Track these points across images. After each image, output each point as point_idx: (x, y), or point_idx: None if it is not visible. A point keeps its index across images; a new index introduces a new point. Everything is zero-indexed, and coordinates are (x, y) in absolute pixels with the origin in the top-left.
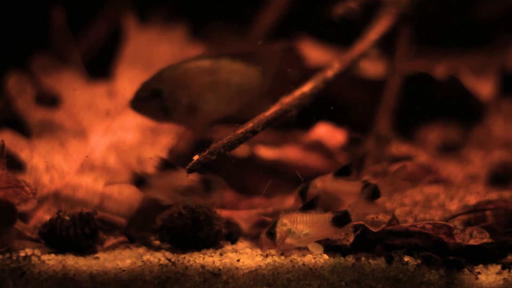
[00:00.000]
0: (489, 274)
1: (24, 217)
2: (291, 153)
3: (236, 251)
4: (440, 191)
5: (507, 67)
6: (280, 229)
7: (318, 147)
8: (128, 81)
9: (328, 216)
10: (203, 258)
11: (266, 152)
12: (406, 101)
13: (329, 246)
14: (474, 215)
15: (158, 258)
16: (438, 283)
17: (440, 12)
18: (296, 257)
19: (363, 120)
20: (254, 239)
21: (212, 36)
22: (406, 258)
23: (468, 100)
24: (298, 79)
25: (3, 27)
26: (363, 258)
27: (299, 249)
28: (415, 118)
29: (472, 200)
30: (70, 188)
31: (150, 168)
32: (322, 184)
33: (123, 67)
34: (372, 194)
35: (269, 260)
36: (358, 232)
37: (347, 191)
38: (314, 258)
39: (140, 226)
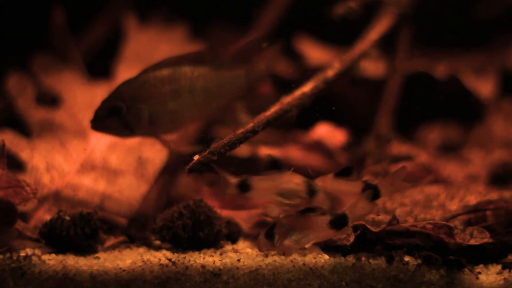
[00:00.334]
0: (489, 274)
1: (25, 217)
2: (291, 153)
3: (236, 251)
4: (440, 191)
5: (508, 67)
6: (278, 230)
7: (319, 147)
8: None
9: (326, 218)
10: (204, 258)
11: (266, 152)
12: (407, 101)
13: (329, 246)
14: (475, 215)
15: (158, 258)
16: (438, 283)
17: (440, 12)
18: (296, 257)
19: (364, 120)
20: (255, 239)
21: (212, 36)
22: (407, 258)
23: (469, 100)
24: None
25: (4, 27)
26: (363, 258)
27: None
28: (415, 118)
29: (472, 200)
30: (70, 188)
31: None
32: (323, 184)
33: (124, 67)
34: (373, 195)
35: (269, 260)
36: (359, 232)
37: (348, 191)
38: (315, 258)
39: (140, 226)
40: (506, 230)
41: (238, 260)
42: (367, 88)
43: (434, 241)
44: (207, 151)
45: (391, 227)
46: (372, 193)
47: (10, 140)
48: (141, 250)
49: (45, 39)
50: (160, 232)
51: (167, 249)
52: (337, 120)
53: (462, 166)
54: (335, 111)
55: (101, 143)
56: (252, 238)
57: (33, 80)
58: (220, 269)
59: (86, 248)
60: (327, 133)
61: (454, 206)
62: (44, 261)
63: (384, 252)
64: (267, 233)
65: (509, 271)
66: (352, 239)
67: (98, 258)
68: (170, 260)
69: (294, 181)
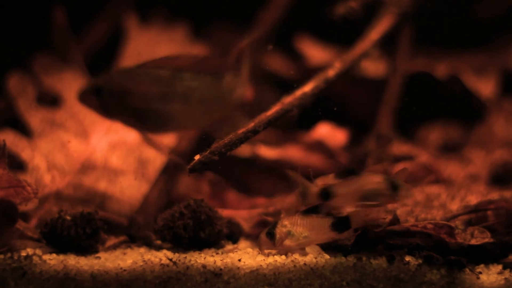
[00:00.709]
0: (490, 274)
1: (26, 216)
2: (292, 152)
3: (237, 250)
4: (441, 191)
5: (508, 67)
6: (280, 230)
7: (320, 146)
8: None
9: (328, 220)
10: (204, 258)
11: (267, 152)
12: (407, 101)
13: (330, 246)
14: (475, 215)
15: (159, 258)
16: (439, 283)
17: (441, 12)
18: (297, 256)
19: (364, 120)
20: (256, 239)
21: (213, 36)
22: (408, 258)
23: (469, 100)
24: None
25: (4, 26)
26: (364, 258)
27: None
28: (416, 118)
29: (473, 200)
30: (71, 188)
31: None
32: (324, 184)
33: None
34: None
35: (270, 260)
36: (359, 231)
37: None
38: (315, 258)
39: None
40: (507, 230)
41: (239, 260)
42: (368, 88)
43: (435, 241)
44: (208, 151)
45: (392, 227)
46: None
47: (11, 140)
48: (142, 250)
49: (46, 39)
50: (161, 232)
51: (168, 249)
52: (337, 120)
53: (463, 166)
54: (336, 111)
55: (102, 143)
56: (253, 238)
57: (34, 80)
58: (221, 269)
59: (87, 248)
60: (328, 133)
61: (455, 206)
62: (45, 261)
63: (385, 252)
64: (268, 233)
65: (510, 271)
66: (353, 239)
67: (99, 258)
68: (171, 260)
69: (374, 181)
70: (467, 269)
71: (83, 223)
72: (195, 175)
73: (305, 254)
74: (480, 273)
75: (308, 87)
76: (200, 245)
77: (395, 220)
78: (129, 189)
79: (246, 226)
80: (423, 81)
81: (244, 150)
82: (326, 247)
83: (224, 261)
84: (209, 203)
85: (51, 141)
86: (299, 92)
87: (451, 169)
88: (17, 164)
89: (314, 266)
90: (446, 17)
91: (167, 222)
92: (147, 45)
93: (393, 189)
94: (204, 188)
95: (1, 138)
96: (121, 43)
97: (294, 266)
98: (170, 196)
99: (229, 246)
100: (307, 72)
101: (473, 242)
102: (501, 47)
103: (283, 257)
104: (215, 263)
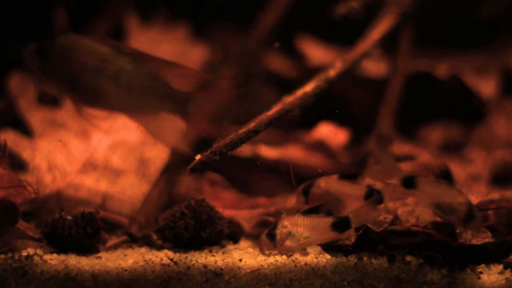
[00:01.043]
0: (491, 274)
1: (27, 216)
2: (293, 152)
3: (238, 250)
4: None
5: (510, 67)
6: (280, 231)
7: (320, 146)
8: None
9: (329, 220)
10: (205, 258)
11: (268, 152)
12: (408, 101)
13: (331, 246)
14: None
15: (160, 257)
16: (440, 283)
17: (442, 11)
18: (298, 256)
19: (365, 120)
20: (256, 239)
21: (214, 36)
22: (408, 258)
23: (470, 100)
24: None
25: (5, 26)
26: (365, 258)
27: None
28: (417, 118)
29: (474, 200)
30: (72, 187)
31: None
32: (326, 184)
33: None
34: (377, 202)
35: (271, 259)
36: (361, 231)
37: (351, 194)
38: (316, 258)
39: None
40: (508, 230)
41: (240, 260)
42: (369, 87)
43: (436, 241)
44: (209, 151)
45: (393, 227)
46: (378, 198)
47: (12, 140)
48: (143, 249)
49: (47, 39)
50: (162, 232)
51: (169, 249)
52: (338, 119)
53: (464, 166)
54: (337, 111)
55: (103, 143)
56: (254, 237)
57: (35, 80)
58: (221, 269)
59: (88, 247)
60: (329, 133)
61: None
62: (46, 261)
63: (386, 252)
64: (269, 234)
65: (511, 271)
66: (353, 238)
67: (100, 257)
68: (172, 259)
69: (458, 199)
70: (468, 269)
71: (84, 223)
72: (196, 175)
73: (306, 254)
74: (481, 273)
75: (309, 87)
76: (201, 245)
77: (396, 220)
78: (130, 189)
79: (247, 226)
80: (424, 81)
81: (245, 150)
82: (327, 247)
83: (225, 261)
84: (210, 203)
85: (52, 141)
86: (300, 92)
87: (452, 169)
88: (18, 164)
89: (315, 266)
90: (447, 17)
91: (168, 222)
92: (148, 45)
93: (468, 218)
94: (205, 188)
95: (2, 138)
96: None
97: (295, 266)
98: (171, 196)
99: (230, 246)
100: (308, 72)
101: (474, 242)
102: (502, 47)
103: (284, 257)
104: (216, 263)
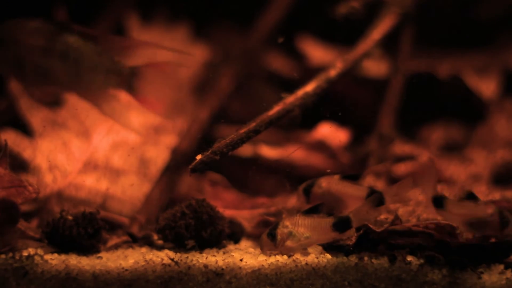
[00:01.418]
0: (492, 274)
1: (27, 216)
2: (294, 152)
3: (239, 250)
4: (443, 190)
5: (510, 67)
6: (281, 231)
7: (321, 146)
8: None
9: (330, 220)
10: (206, 258)
11: (268, 152)
12: (409, 101)
13: (332, 246)
14: None
15: (161, 257)
16: (441, 283)
17: (443, 11)
18: (299, 256)
19: (366, 120)
20: (257, 239)
21: (215, 35)
22: (409, 258)
23: (471, 100)
24: None
25: None
26: (366, 258)
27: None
28: (418, 118)
29: None
30: (73, 187)
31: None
32: (327, 184)
33: None
34: (378, 203)
35: (272, 259)
36: (361, 231)
37: (352, 194)
38: (317, 258)
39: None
40: None
41: (241, 260)
42: (370, 87)
43: (436, 240)
44: (209, 151)
45: (394, 227)
46: (378, 199)
47: (13, 139)
48: (144, 249)
49: None
50: (163, 232)
51: (170, 249)
52: (339, 119)
53: (465, 166)
54: (338, 111)
55: (103, 143)
56: (254, 238)
57: None
58: (222, 269)
59: (89, 247)
60: (330, 133)
61: None
62: (46, 261)
63: (387, 252)
64: (270, 234)
65: None
66: (354, 238)
67: (100, 257)
68: (172, 259)
69: (487, 212)
70: (469, 269)
71: (85, 223)
72: (196, 174)
73: (307, 254)
74: (482, 273)
75: (310, 87)
76: (201, 245)
77: (397, 220)
78: (131, 189)
79: (247, 226)
80: (425, 81)
81: (245, 150)
82: (328, 247)
83: (226, 261)
84: (210, 203)
85: (52, 141)
86: (301, 92)
87: (453, 169)
88: (18, 164)
89: (316, 266)
90: (447, 17)
91: (168, 222)
92: None
93: (503, 225)
94: (205, 188)
95: (3, 138)
96: None
97: (296, 266)
98: (172, 196)
99: (231, 246)
100: (309, 71)
101: (475, 242)
102: (503, 47)
103: (285, 257)
104: (216, 263)
